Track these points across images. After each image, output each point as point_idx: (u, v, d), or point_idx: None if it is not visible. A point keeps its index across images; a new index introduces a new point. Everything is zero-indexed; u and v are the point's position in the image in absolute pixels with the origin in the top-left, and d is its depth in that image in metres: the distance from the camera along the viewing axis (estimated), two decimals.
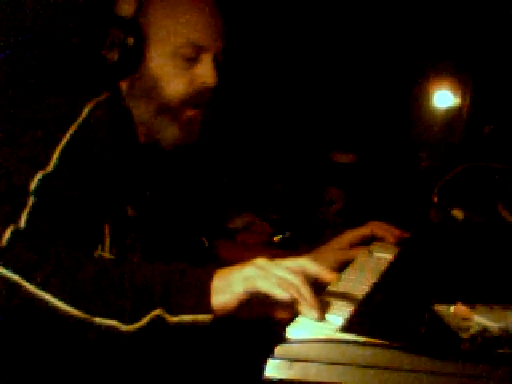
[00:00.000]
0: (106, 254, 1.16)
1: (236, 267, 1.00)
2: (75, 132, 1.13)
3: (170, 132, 1.27)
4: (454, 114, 2.53)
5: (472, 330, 0.88)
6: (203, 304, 0.97)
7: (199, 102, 1.27)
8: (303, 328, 0.91)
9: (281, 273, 0.97)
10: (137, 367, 1.17)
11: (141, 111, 1.27)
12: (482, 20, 2.37)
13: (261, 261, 0.99)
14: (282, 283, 0.95)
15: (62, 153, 1.11)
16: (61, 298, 0.96)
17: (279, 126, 2.56)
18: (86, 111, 1.15)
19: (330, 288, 1.09)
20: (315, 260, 1.40)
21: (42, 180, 1.07)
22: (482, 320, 0.91)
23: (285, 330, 0.90)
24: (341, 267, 1.36)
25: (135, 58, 1.23)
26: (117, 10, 1.24)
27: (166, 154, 1.33)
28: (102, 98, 1.19)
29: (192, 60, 1.25)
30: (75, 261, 1.00)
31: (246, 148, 2.50)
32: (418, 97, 2.57)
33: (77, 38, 1.53)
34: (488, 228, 1.51)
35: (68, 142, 1.12)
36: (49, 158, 1.10)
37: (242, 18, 2.31)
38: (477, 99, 2.47)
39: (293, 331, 0.90)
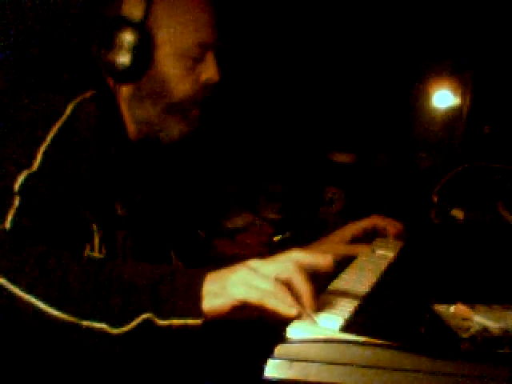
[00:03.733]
0: (96, 254, 1.14)
1: (228, 270, 0.97)
2: (59, 130, 1.12)
3: (176, 130, 1.28)
4: (454, 114, 2.53)
5: (472, 330, 0.88)
6: (194, 308, 0.95)
7: (204, 98, 1.29)
8: (303, 328, 0.90)
9: (276, 274, 0.95)
10: (134, 368, 1.17)
11: (146, 112, 1.27)
12: (481, 20, 2.37)
13: (254, 262, 0.97)
14: (279, 292, 0.93)
15: (46, 152, 1.10)
16: (47, 302, 0.94)
17: (279, 126, 2.56)
18: (69, 109, 1.14)
19: (330, 287, 1.09)
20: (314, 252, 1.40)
21: (26, 180, 1.06)
22: (482, 320, 0.91)
23: (285, 330, 0.90)
24: (341, 261, 1.36)
25: (146, 61, 1.23)
26: (123, 12, 1.23)
27: (160, 150, 1.33)
28: (87, 95, 1.18)
29: (198, 59, 1.26)
30: (62, 262, 0.98)
31: (246, 148, 2.50)
32: (418, 97, 2.57)
33: (72, 39, 1.52)
34: (488, 228, 1.51)
35: (52, 141, 1.11)
36: (33, 158, 1.08)
37: (242, 17, 2.31)
38: (477, 99, 2.47)
39: (293, 331, 0.89)
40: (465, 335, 0.87)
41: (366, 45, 2.55)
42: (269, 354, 0.82)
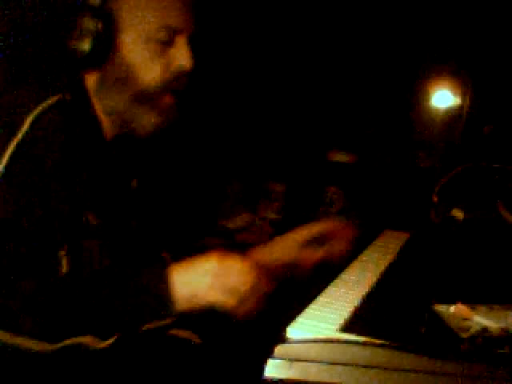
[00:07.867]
0: (60, 271, 1.11)
1: (195, 268, 1.07)
2: (16, 148, 1.05)
3: (146, 120, 1.20)
4: (454, 114, 2.52)
5: (472, 330, 0.88)
6: (166, 313, 1.05)
7: (176, 86, 1.21)
8: (303, 328, 0.91)
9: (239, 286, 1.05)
10: (134, 369, 1.18)
11: (114, 101, 1.20)
12: (482, 20, 2.37)
13: (214, 264, 1.07)
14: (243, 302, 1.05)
15: (3, 173, 1.03)
16: (29, 338, 0.98)
17: (279, 126, 2.56)
18: (27, 123, 1.07)
19: (330, 288, 1.09)
20: (269, 255, 1.39)
21: None
22: (482, 320, 0.91)
23: (285, 330, 0.90)
24: (292, 268, 1.35)
25: (108, 46, 1.16)
26: None
27: (139, 146, 1.29)
28: (49, 102, 1.11)
29: (166, 44, 1.19)
30: (35, 296, 1.00)
31: (247, 148, 2.50)
32: (418, 97, 2.57)
33: (37, 29, 1.44)
34: (488, 228, 1.51)
35: (8, 161, 1.04)
36: None
37: (242, 16, 2.31)
38: (477, 99, 2.47)
39: (293, 331, 0.90)
40: (465, 335, 0.87)
41: (367, 45, 2.55)
42: (269, 354, 0.82)
